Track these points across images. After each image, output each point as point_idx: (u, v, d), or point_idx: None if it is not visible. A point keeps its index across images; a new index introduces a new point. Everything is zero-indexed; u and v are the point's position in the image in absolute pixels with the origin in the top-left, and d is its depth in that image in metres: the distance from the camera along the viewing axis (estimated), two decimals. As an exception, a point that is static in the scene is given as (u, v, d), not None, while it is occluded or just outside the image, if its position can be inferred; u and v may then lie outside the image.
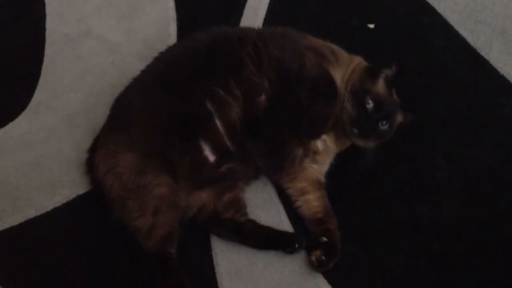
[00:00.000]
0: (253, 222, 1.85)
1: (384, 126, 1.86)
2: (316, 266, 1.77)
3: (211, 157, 1.84)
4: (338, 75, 1.91)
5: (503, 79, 2.24)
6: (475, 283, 1.78)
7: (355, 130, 1.85)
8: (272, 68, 1.85)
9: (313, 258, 1.78)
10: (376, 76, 1.89)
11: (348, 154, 1.99)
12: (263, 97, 1.84)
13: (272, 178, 1.97)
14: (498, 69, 2.26)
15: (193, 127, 1.82)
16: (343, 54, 1.98)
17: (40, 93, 2.25)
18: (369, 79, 1.89)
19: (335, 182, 1.95)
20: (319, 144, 1.92)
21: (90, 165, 1.89)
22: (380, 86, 1.89)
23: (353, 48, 2.03)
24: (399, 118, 1.92)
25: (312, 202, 1.88)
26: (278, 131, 1.86)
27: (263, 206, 1.93)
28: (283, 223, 1.89)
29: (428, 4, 2.48)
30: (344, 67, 1.94)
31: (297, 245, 1.79)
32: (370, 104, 1.84)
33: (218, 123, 1.83)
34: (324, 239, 1.80)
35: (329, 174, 1.97)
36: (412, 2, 2.51)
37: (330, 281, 1.78)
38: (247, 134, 1.85)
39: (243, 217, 1.86)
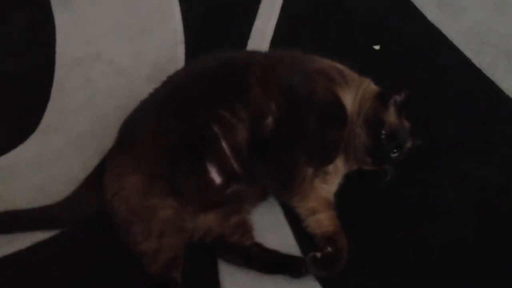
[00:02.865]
0: (259, 246, 1.84)
1: (395, 154, 1.90)
2: (309, 263, 1.77)
3: (218, 179, 1.85)
4: (348, 97, 1.92)
5: (509, 99, 2.23)
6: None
7: (369, 160, 1.89)
8: (279, 91, 1.86)
9: (310, 256, 1.78)
10: (386, 103, 1.91)
11: (356, 175, 1.99)
12: (269, 119, 1.85)
13: (280, 198, 1.97)
14: (504, 90, 2.26)
15: (199, 150, 1.83)
16: (352, 75, 1.99)
17: (49, 116, 2.27)
18: (381, 107, 1.90)
19: (343, 203, 1.94)
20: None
21: (94, 187, 1.89)
22: (392, 114, 1.91)
23: (359, 69, 2.03)
24: (409, 144, 1.95)
25: (322, 221, 1.87)
26: (285, 152, 1.87)
27: (270, 228, 1.92)
28: (291, 245, 1.88)
29: (433, 26, 2.50)
30: (354, 89, 1.95)
31: (304, 270, 1.78)
32: (384, 135, 1.87)
33: (224, 145, 1.84)
34: (329, 249, 1.79)
35: (337, 194, 1.96)
36: (417, 24, 2.53)
37: (337, 303, 1.77)
38: (254, 156, 1.85)
39: (250, 241, 1.85)
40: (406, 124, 1.95)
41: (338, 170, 1.95)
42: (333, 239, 1.82)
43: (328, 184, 1.94)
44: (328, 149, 1.86)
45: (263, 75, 1.88)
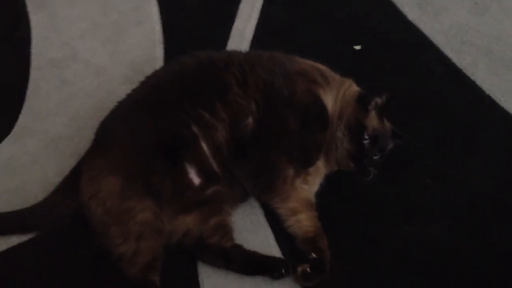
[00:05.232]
0: (239, 247, 1.82)
1: (377, 157, 1.90)
2: (300, 278, 1.74)
3: (196, 180, 1.82)
4: (330, 98, 1.92)
5: (489, 99, 2.24)
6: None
7: (352, 165, 1.90)
8: (259, 91, 1.85)
9: (299, 269, 1.75)
10: (367, 106, 1.90)
11: (336, 175, 1.98)
12: (250, 119, 1.84)
13: (261, 199, 1.95)
14: (484, 89, 2.27)
15: (177, 150, 1.81)
16: (333, 76, 1.99)
17: (24, 118, 2.23)
18: (362, 111, 1.90)
19: (323, 203, 1.93)
20: None
21: (70, 189, 1.86)
22: (373, 118, 1.91)
23: (339, 70, 2.03)
24: (391, 146, 1.95)
25: (303, 221, 1.86)
26: (265, 153, 1.85)
27: (251, 229, 1.91)
28: (271, 246, 1.87)
29: (413, 25, 2.50)
30: (335, 90, 1.95)
31: (283, 271, 1.76)
32: (367, 141, 1.87)
33: (204, 145, 1.82)
34: (314, 255, 1.77)
35: (317, 194, 1.95)
36: (398, 23, 2.54)
37: (317, 304, 1.75)
38: (234, 156, 1.84)
39: (229, 242, 1.83)
40: (387, 125, 1.95)
41: (319, 170, 1.94)
42: (315, 242, 1.81)
43: (309, 184, 1.93)
44: (310, 151, 1.85)
45: (243, 75, 1.87)
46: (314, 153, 1.86)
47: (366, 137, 1.87)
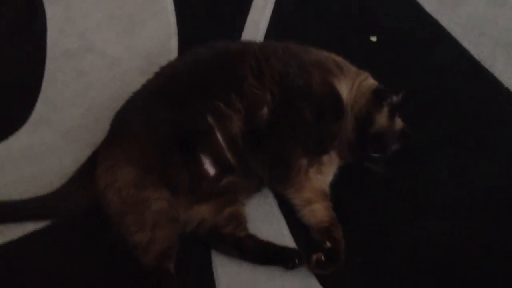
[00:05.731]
0: (253, 238, 1.82)
1: (377, 155, 1.89)
2: (313, 266, 1.74)
3: (212, 171, 1.82)
4: (344, 88, 1.91)
5: (507, 92, 2.21)
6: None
7: (349, 154, 1.89)
8: (274, 82, 1.85)
9: (314, 257, 1.74)
10: (381, 102, 1.89)
11: (348, 168, 1.97)
12: (265, 110, 1.84)
13: (275, 189, 1.95)
14: (503, 82, 2.24)
15: (193, 141, 1.81)
16: (349, 67, 1.98)
17: (40, 108, 2.25)
18: (375, 105, 1.89)
19: (337, 196, 1.92)
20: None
21: (86, 179, 1.87)
22: (384, 115, 1.89)
23: (354, 61, 2.02)
24: (395, 147, 1.92)
25: (318, 212, 1.85)
26: (280, 143, 1.85)
27: (265, 219, 1.90)
28: (285, 237, 1.86)
29: (431, 17, 2.48)
30: (350, 80, 1.94)
31: (297, 261, 1.75)
32: (370, 135, 1.86)
33: (219, 136, 1.82)
34: (328, 244, 1.77)
35: (331, 188, 1.94)
36: (415, 15, 2.51)
37: (331, 296, 1.74)
38: (249, 147, 1.83)
39: (243, 232, 1.82)
40: (399, 124, 1.93)
41: (332, 160, 1.93)
42: (329, 231, 1.80)
43: (323, 174, 1.92)
44: (324, 141, 1.86)
45: (258, 65, 1.87)
46: (329, 142, 1.86)
47: (371, 132, 1.86)
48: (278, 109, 1.83)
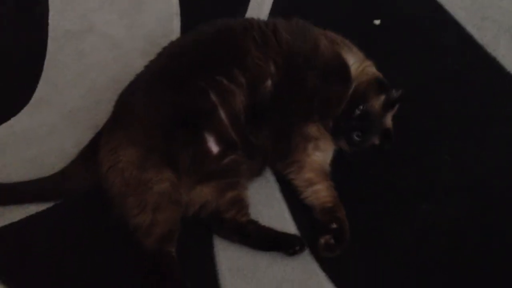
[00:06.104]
0: (254, 223, 1.83)
1: (356, 138, 1.87)
2: (324, 250, 1.75)
3: (215, 148, 1.82)
4: (352, 62, 1.92)
5: (510, 76, 2.20)
6: (480, 284, 1.75)
7: (330, 124, 1.87)
8: (280, 52, 1.85)
9: (322, 241, 1.75)
10: (381, 91, 1.89)
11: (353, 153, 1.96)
12: (268, 82, 1.83)
13: (277, 167, 1.95)
14: (506, 66, 2.23)
15: (196, 120, 1.81)
16: (356, 49, 1.98)
17: (42, 89, 2.24)
18: (375, 89, 1.89)
19: (339, 180, 1.92)
20: (316, 130, 1.91)
21: (89, 160, 1.87)
22: (379, 102, 1.89)
23: (358, 44, 2.00)
24: (376, 140, 1.91)
25: (320, 192, 1.86)
26: (284, 116, 1.85)
27: (266, 203, 1.91)
28: (286, 220, 1.87)
29: (434, 0, 2.46)
30: (358, 59, 1.94)
31: (298, 247, 1.77)
32: (359, 112, 1.85)
33: (222, 114, 1.82)
34: (334, 225, 1.78)
35: (333, 173, 1.94)
36: (419, -1, 2.50)
37: (332, 280, 1.75)
38: (252, 122, 1.84)
39: (245, 217, 1.83)
40: (388, 123, 1.93)
41: (327, 136, 1.92)
42: (333, 211, 1.82)
43: (322, 151, 1.93)
44: (330, 101, 1.85)
45: (263, 37, 1.86)
46: (334, 104, 1.85)
47: (361, 107, 1.85)
48: (282, 80, 1.83)
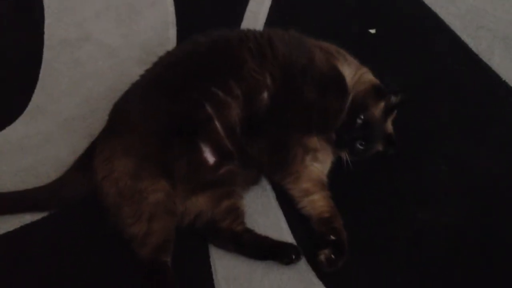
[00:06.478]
0: (250, 232, 1.82)
1: (360, 147, 1.87)
2: (327, 266, 1.74)
3: (211, 159, 1.82)
4: (347, 73, 1.92)
5: (505, 84, 2.22)
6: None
7: (333, 135, 1.87)
8: (276, 64, 1.85)
9: (322, 257, 1.75)
10: (380, 98, 1.89)
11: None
12: (264, 94, 1.83)
13: (274, 178, 1.95)
14: (500, 75, 2.25)
15: (192, 130, 1.80)
16: (351, 58, 1.99)
17: (37, 98, 2.23)
18: (373, 97, 1.89)
19: (335, 188, 1.92)
20: (315, 141, 1.91)
21: (84, 170, 1.86)
22: (379, 109, 1.89)
23: (354, 53, 2.01)
24: (379, 147, 1.92)
25: (317, 202, 1.86)
26: (280, 128, 1.85)
27: (262, 211, 1.91)
28: (282, 229, 1.86)
29: (430, 10, 2.48)
30: (353, 69, 1.95)
31: (294, 256, 1.76)
32: (360, 121, 1.85)
33: (218, 125, 1.81)
34: (333, 237, 1.77)
35: (330, 180, 1.94)
36: (414, 7, 2.51)
37: (329, 288, 1.75)
38: (248, 134, 1.83)
39: (241, 226, 1.82)
40: (389, 128, 1.94)
41: (326, 147, 1.92)
42: (330, 222, 1.81)
43: (320, 162, 1.93)
44: (328, 117, 1.85)
45: (259, 49, 1.86)
46: (331, 118, 1.85)
47: (362, 117, 1.85)
48: (279, 92, 1.83)
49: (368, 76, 1.97)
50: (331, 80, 1.87)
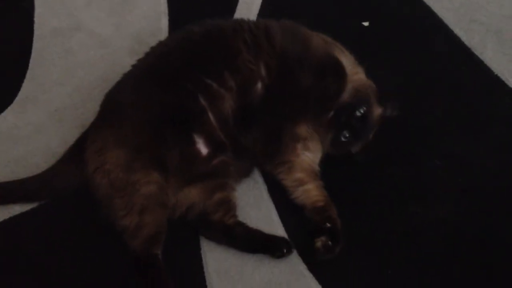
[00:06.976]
0: (242, 225, 1.82)
1: (343, 138, 1.88)
2: (323, 252, 1.75)
3: (204, 150, 1.81)
4: (345, 62, 1.92)
5: (497, 79, 2.22)
6: (469, 285, 1.76)
7: (330, 114, 1.87)
8: (272, 54, 1.84)
9: (319, 244, 1.75)
10: (379, 103, 1.91)
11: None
12: (259, 85, 1.83)
13: (267, 168, 1.95)
14: (493, 69, 2.25)
15: (185, 120, 1.79)
16: (347, 52, 1.98)
17: (27, 87, 2.22)
18: (375, 99, 1.91)
19: (330, 182, 1.92)
20: (306, 130, 1.91)
21: (75, 161, 1.85)
22: (377, 113, 1.91)
23: (347, 45, 2.00)
24: (356, 148, 1.93)
25: (311, 191, 1.86)
26: (274, 117, 1.85)
27: (254, 204, 1.91)
28: (274, 222, 1.87)
29: (423, 3, 2.47)
30: (350, 62, 1.95)
31: (285, 250, 1.76)
32: (359, 114, 1.86)
33: (211, 116, 1.80)
34: (328, 225, 1.78)
35: (323, 176, 1.93)
36: (408, 1, 2.51)
37: (320, 281, 1.74)
38: (241, 125, 1.83)
39: (232, 219, 1.82)
40: (372, 137, 1.95)
41: (314, 135, 1.92)
42: (326, 211, 1.82)
43: (311, 151, 1.92)
44: (326, 99, 1.86)
45: (254, 39, 1.86)
46: (329, 99, 1.86)
47: (362, 110, 1.86)
48: (274, 81, 1.83)
49: (363, 76, 1.97)
50: (328, 64, 1.88)
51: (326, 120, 1.89)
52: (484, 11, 2.44)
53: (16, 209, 1.87)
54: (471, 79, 2.24)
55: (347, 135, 1.87)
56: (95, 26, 2.42)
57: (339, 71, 1.89)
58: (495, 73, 2.24)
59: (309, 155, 1.92)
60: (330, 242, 1.74)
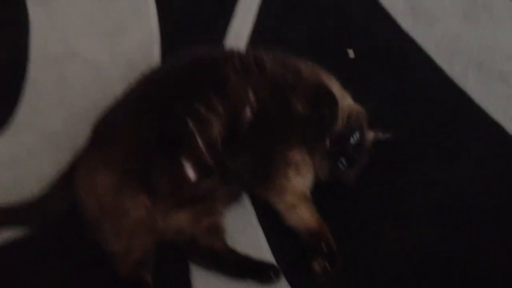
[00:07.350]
0: (230, 251, 1.83)
1: (341, 166, 1.91)
2: (320, 275, 1.76)
3: (192, 174, 1.82)
4: (334, 90, 1.96)
5: (478, 108, 2.27)
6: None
7: (327, 142, 1.89)
8: (263, 80, 1.88)
9: (317, 267, 1.77)
10: (370, 128, 1.96)
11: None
12: (247, 110, 1.85)
13: (257, 193, 1.96)
14: (474, 99, 2.30)
15: (174, 145, 1.82)
16: (334, 79, 2.03)
17: (21, 113, 2.24)
18: (367, 124, 1.96)
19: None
20: (297, 155, 1.92)
21: (66, 184, 1.87)
22: (370, 136, 1.96)
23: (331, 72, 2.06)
24: (353, 174, 1.95)
25: (304, 215, 1.87)
26: (263, 142, 1.87)
27: (242, 230, 1.92)
28: (262, 248, 1.89)
29: (406, 34, 2.53)
30: (338, 89, 2.00)
31: (273, 276, 1.77)
32: (354, 138, 1.90)
33: (199, 141, 1.82)
34: (324, 247, 1.79)
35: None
36: (391, 31, 2.56)
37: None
38: (230, 150, 1.85)
39: (221, 245, 1.83)
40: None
41: (307, 161, 1.94)
42: (321, 234, 1.83)
43: (302, 176, 1.93)
44: (322, 127, 1.89)
45: (243, 66, 1.89)
46: (326, 129, 1.89)
47: (357, 136, 1.90)
48: (264, 107, 1.85)
49: (351, 103, 2.02)
50: (322, 93, 1.91)
51: (320, 148, 1.91)
52: (465, 42, 2.48)
53: (7, 235, 1.88)
54: (453, 108, 2.28)
55: (345, 162, 1.90)
56: (89, 52, 2.45)
57: (332, 100, 1.92)
58: (476, 103, 2.28)
59: (300, 180, 1.93)
60: (327, 264, 1.76)
